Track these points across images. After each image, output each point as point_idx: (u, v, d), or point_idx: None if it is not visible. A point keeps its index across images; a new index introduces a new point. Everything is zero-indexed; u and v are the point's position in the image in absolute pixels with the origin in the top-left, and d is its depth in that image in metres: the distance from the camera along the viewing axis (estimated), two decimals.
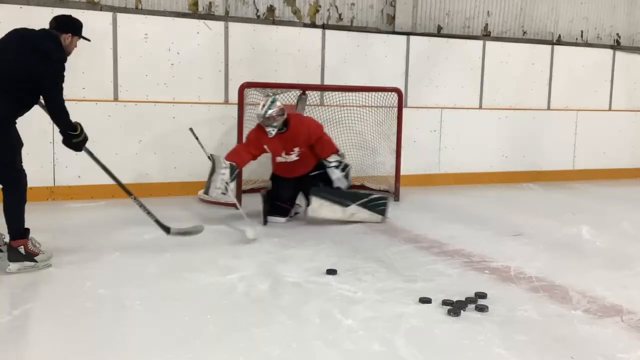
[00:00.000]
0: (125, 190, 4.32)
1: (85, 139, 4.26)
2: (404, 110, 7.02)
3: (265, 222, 5.47)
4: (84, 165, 6.35)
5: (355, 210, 5.53)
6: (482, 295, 3.61)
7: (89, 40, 4.41)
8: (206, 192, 5.34)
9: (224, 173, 5.26)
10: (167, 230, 4.25)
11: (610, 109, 9.37)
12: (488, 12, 8.59)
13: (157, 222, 4.24)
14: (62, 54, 4.09)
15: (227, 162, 5.31)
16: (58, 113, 4.05)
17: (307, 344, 2.95)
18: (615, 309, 3.50)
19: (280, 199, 5.65)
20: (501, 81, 8.52)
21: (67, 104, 6.29)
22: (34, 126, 6.09)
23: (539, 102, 8.85)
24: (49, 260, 4.07)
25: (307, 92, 6.95)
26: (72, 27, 4.24)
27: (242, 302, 3.53)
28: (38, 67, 3.91)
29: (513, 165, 8.63)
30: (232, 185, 5.35)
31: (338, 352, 2.86)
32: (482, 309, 3.41)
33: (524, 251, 4.80)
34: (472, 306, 3.45)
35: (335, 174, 5.54)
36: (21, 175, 4.01)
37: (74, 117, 6.25)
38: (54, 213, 5.76)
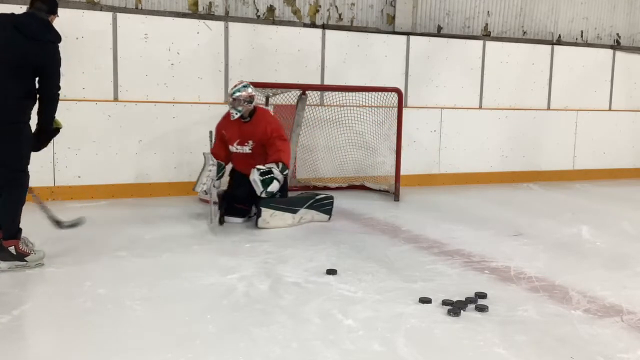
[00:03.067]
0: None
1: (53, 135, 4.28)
2: (404, 110, 7.02)
3: (221, 222, 5.36)
4: (84, 165, 6.39)
5: (303, 213, 5.51)
6: (482, 295, 3.61)
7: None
8: (194, 188, 5.48)
9: (211, 170, 5.38)
10: (59, 224, 4.21)
11: (610, 109, 9.37)
12: (488, 12, 8.59)
13: (51, 217, 4.17)
14: (59, 39, 4.01)
15: (215, 160, 5.43)
16: (53, 103, 4.01)
17: (307, 344, 2.95)
18: (615, 309, 3.50)
19: (237, 199, 5.51)
20: (501, 81, 8.52)
21: (67, 104, 6.35)
22: (34, 126, 6.11)
23: (539, 102, 8.85)
24: (41, 260, 4.06)
25: (307, 92, 6.95)
26: (56, 7, 4.12)
27: (242, 302, 3.53)
28: (41, 55, 3.86)
29: (513, 165, 8.63)
30: (218, 182, 5.47)
31: (338, 352, 2.86)
32: (482, 309, 3.41)
33: (524, 251, 4.80)
34: (472, 306, 3.45)
35: (253, 175, 5.20)
36: (25, 179, 4.01)
37: (74, 117, 6.31)
38: (55, 212, 5.75)
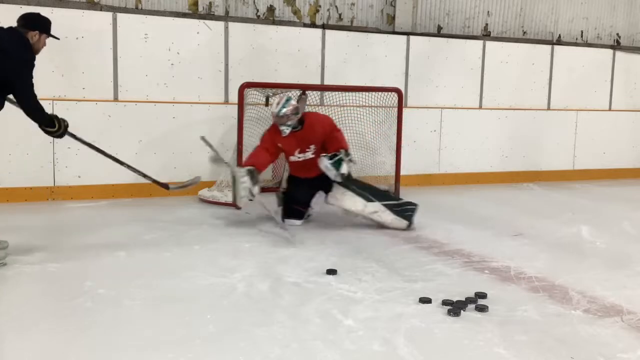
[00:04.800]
0: (118, 161, 4.58)
1: (66, 127, 4.39)
2: (404, 110, 7.02)
3: (281, 226, 5.21)
4: (84, 165, 6.39)
5: (378, 209, 5.32)
6: (482, 295, 3.61)
7: (57, 38, 4.32)
8: (234, 203, 5.27)
9: (244, 181, 5.15)
10: (166, 186, 4.56)
11: (610, 109, 9.37)
12: (488, 12, 8.59)
13: (155, 181, 4.52)
14: (30, 55, 4.03)
15: (243, 169, 5.21)
16: (33, 113, 4.10)
17: (307, 344, 2.95)
18: (615, 309, 3.50)
19: (296, 202, 5.51)
20: (501, 81, 8.51)
21: (67, 104, 6.35)
22: (34, 126, 6.10)
23: (539, 102, 8.85)
24: (2, 259, 4.04)
25: (307, 92, 6.95)
26: (40, 24, 4.13)
27: (242, 302, 3.53)
28: (7, 68, 3.89)
29: (513, 165, 8.63)
30: (256, 189, 5.19)
31: (338, 352, 2.86)
32: (482, 309, 3.41)
33: (524, 251, 4.80)
34: (472, 306, 3.45)
35: (322, 163, 5.27)
36: None
37: (74, 117, 6.30)
38: (54, 213, 5.76)
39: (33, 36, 4.06)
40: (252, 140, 6.80)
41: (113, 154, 6.46)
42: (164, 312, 3.33)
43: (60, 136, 4.37)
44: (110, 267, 4.11)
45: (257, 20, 7.31)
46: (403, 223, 5.37)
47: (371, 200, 5.34)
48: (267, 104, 6.86)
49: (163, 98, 6.76)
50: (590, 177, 9.00)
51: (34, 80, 4.09)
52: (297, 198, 5.53)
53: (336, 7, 7.73)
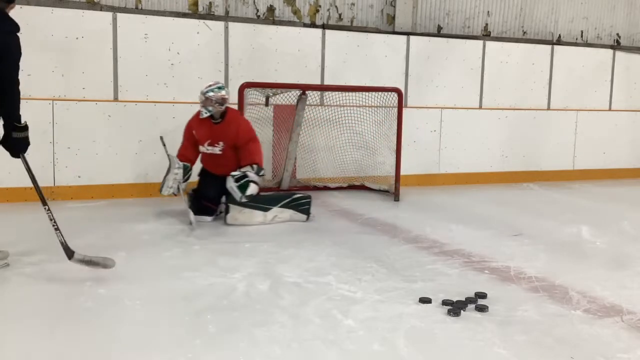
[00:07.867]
0: (42, 198, 3.99)
1: (27, 141, 4.03)
2: (404, 110, 7.02)
3: (191, 222, 5.27)
4: (84, 165, 6.39)
5: (277, 212, 5.51)
6: (482, 295, 3.61)
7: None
8: (160, 191, 5.43)
9: (177, 173, 5.35)
10: (70, 254, 3.87)
11: (610, 109, 9.37)
12: (488, 12, 8.60)
13: (62, 243, 3.89)
14: (17, 28, 3.91)
15: (181, 163, 5.40)
16: (16, 96, 3.84)
17: (307, 344, 2.95)
18: (615, 309, 3.50)
19: (206, 198, 5.55)
20: (501, 81, 8.52)
21: (67, 104, 6.36)
22: (34, 126, 6.08)
23: (539, 102, 8.85)
24: (5, 259, 4.04)
25: (307, 92, 6.95)
26: None
27: (242, 302, 3.53)
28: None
29: (513, 165, 8.63)
30: (184, 185, 5.46)
31: (338, 352, 2.86)
32: (482, 309, 3.41)
33: (524, 251, 4.80)
34: (472, 306, 3.45)
35: (229, 183, 5.26)
36: None
37: (74, 117, 6.32)
38: (54, 213, 5.73)
39: (11, 8, 3.96)
40: None
41: (113, 153, 6.52)
42: (164, 312, 3.33)
43: (20, 144, 3.97)
44: None
45: (257, 20, 7.31)
46: (302, 217, 5.60)
47: (268, 209, 5.47)
48: (267, 104, 6.87)
49: (163, 98, 6.76)
50: (590, 177, 9.00)
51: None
52: (207, 194, 5.57)
53: (336, 7, 7.73)
